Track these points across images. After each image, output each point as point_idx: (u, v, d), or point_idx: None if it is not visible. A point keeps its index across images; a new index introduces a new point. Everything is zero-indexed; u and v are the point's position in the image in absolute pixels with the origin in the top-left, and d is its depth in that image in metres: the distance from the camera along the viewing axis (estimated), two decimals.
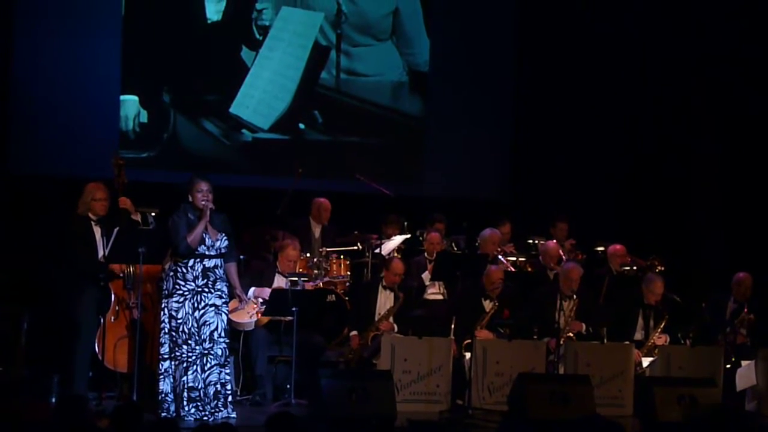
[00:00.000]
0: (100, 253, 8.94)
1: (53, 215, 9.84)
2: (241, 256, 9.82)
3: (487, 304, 9.94)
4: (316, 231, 11.31)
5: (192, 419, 8.39)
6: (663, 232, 12.84)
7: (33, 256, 10.51)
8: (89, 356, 8.96)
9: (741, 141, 12.88)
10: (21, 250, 10.86)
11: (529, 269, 11.05)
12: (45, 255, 9.85)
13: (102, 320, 9.01)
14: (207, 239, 8.53)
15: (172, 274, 8.53)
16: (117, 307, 9.08)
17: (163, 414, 8.38)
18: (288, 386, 9.30)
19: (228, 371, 8.69)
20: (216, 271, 8.58)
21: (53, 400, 8.62)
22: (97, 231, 9.03)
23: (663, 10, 13.09)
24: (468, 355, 9.61)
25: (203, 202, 8.52)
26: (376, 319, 9.89)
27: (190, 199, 8.57)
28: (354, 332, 9.96)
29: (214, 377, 8.51)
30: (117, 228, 8.76)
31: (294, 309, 9.17)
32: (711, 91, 13.03)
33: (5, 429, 6.33)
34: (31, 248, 10.65)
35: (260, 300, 9.52)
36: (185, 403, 8.44)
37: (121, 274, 9.02)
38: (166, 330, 8.52)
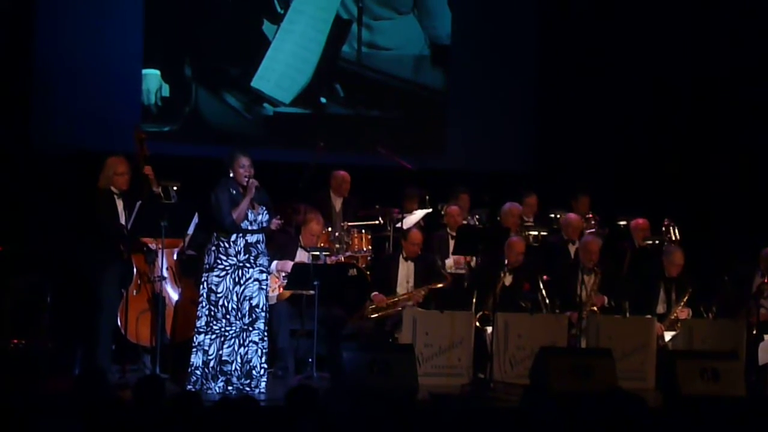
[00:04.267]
0: None
1: (76, 189, 9.87)
2: None
3: (507, 278, 9.94)
4: (337, 204, 11.30)
5: (217, 391, 8.40)
6: (686, 205, 12.76)
7: (56, 229, 10.54)
8: (112, 329, 9.00)
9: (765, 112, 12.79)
10: (44, 223, 10.89)
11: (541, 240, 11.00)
12: (68, 228, 9.88)
13: (125, 294, 9.06)
14: (249, 214, 8.52)
15: (214, 248, 8.50)
16: (139, 281, 9.12)
17: (189, 387, 8.40)
18: (310, 359, 9.33)
19: (264, 348, 8.63)
20: (258, 246, 8.56)
21: (76, 372, 8.71)
22: (119, 204, 9.06)
23: None
24: (489, 329, 9.60)
25: (246, 178, 8.50)
26: (409, 291, 9.95)
27: (231, 174, 8.52)
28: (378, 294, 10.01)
29: (251, 355, 8.51)
30: (139, 201, 8.79)
31: (316, 283, 9.19)
32: (736, 63, 12.92)
33: (28, 401, 6.38)
34: (54, 222, 10.68)
35: (282, 274, 9.55)
36: (213, 374, 8.43)
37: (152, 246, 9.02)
38: (204, 304, 8.50)
